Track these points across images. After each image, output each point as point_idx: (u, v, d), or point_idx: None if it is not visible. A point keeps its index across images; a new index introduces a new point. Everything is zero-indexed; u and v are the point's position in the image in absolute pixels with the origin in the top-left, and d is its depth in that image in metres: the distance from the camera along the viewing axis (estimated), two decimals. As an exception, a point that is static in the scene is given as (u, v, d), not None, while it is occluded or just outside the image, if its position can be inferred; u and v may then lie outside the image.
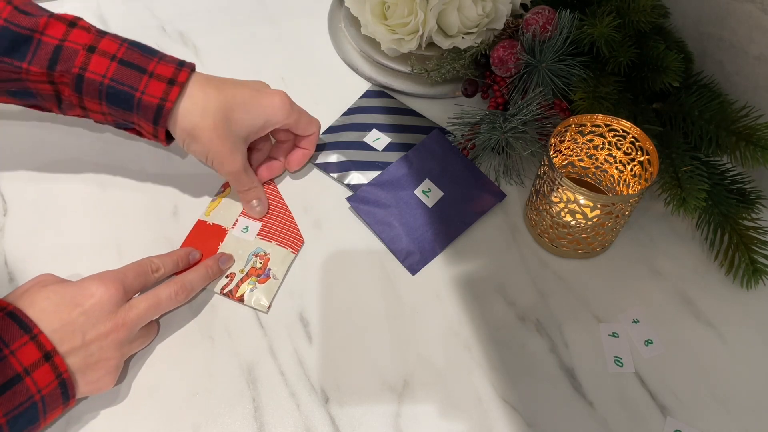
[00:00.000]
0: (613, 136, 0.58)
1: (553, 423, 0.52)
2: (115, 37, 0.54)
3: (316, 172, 0.65)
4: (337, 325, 0.56)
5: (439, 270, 0.60)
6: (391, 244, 0.60)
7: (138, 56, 0.53)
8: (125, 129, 0.58)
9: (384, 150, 0.66)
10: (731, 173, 0.61)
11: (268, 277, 0.57)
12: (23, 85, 0.53)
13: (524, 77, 0.64)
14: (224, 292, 0.57)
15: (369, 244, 0.61)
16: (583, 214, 0.55)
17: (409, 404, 0.52)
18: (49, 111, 0.57)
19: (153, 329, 0.53)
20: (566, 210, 0.55)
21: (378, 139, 0.67)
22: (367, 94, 0.72)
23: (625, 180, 0.60)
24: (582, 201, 0.54)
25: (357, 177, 0.64)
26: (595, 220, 0.55)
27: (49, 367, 0.44)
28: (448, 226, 0.61)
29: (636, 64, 0.63)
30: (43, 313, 0.46)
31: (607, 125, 0.57)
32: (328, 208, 0.63)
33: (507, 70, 0.65)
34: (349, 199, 0.62)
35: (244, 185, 0.59)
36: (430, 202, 0.62)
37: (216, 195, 0.62)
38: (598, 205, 0.53)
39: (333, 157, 0.65)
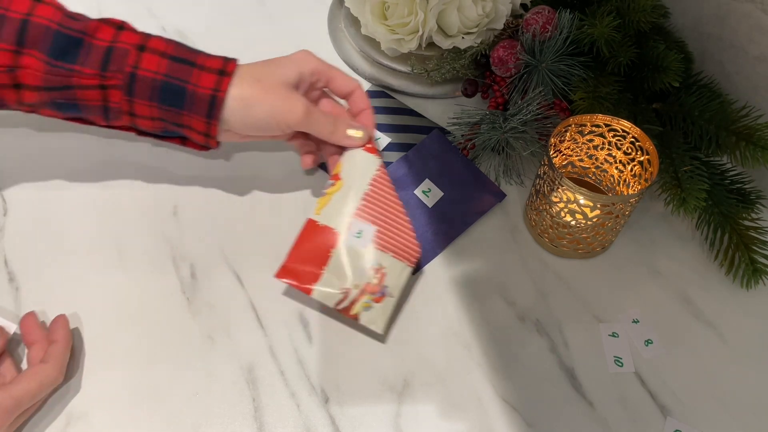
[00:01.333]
0: (613, 136, 0.58)
1: (553, 423, 0.52)
2: (161, 37, 0.54)
3: (316, 172, 0.65)
4: (337, 325, 0.56)
5: (439, 270, 0.60)
6: (391, 244, 0.60)
7: (186, 52, 0.53)
8: (168, 139, 0.58)
9: (384, 150, 0.66)
10: (731, 173, 0.62)
11: (384, 295, 0.53)
12: (71, 94, 0.52)
13: (524, 77, 0.64)
14: (339, 308, 0.53)
15: (369, 244, 0.61)
16: (583, 214, 0.55)
17: (409, 404, 0.52)
18: (92, 124, 0.56)
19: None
20: (566, 210, 0.55)
21: (378, 139, 0.67)
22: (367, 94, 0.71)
23: (625, 180, 0.60)
24: (582, 201, 0.54)
25: (357, 177, 0.64)
26: (595, 220, 0.55)
27: None
28: (448, 226, 0.61)
29: (636, 64, 0.63)
30: None
31: (607, 125, 0.57)
32: (328, 208, 0.63)
33: (507, 70, 0.65)
34: (349, 199, 0.62)
35: (324, 122, 0.56)
36: (430, 202, 0.62)
37: (325, 190, 0.57)
38: (598, 205, 0.53)
39: (333, 157, 0.65)
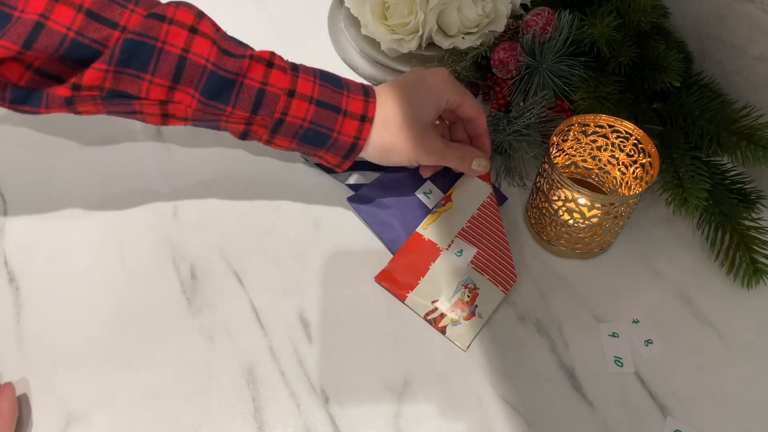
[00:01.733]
0: (616, 138, 0.58)
1: (553, 423, 0.52)
2: (306, 72, 0.53)
3: (316, 172, 0.65)
4: (337, 325, 0.56)
5: (439, 270, 0.60)
6: (392, 245, 0.60)
7: (330, 94, 0.53)
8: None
9: (384, 150, 0.66)
10: (732, 173, 0.62)
11: (473, 314, 0.55)
12: (216, 123, 0.53)
13: (525, 78, 0.64)
14: (428, 318, 0.56)
15: (369, 244, 0.61)
16: (581, 213, 0.55)
17: (409, 404, 0.52)
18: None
19: None
20: (564, 209, 0.55)
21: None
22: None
23: (627, 182, 0.60)
24: (581, 201, 0.54)
25: (357, 177, 0.64)
26: (593, 220, 0.55)
27: None
28: (448, 226, 0.62)
29: (636, 64, 0.63)
30: None
31: (610, 126, 0.57)
32: (328, 208, 0.63)
33: (508, 72, 0.65)
34: (349, 199, 0.62)
35: (455, 157, 0.58)
36: (431, 204, 0.62)
37: (435, 208, 0.61)
38: (596, 205, 0.53)
39: (333, 157, 0.65)
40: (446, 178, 0.63)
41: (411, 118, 0.55)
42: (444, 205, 0.60)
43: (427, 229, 0.59)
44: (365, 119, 0.54)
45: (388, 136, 0.54)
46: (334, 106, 0.53)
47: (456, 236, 0.59)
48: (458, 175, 0.63)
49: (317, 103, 0.53)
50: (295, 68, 0.53)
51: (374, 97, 0.55)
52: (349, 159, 0.55)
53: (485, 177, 0.61)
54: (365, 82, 0.57)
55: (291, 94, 0.52)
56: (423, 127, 0.55)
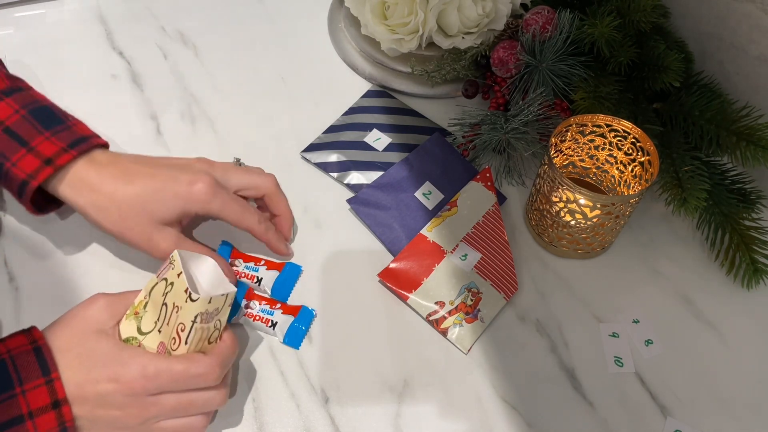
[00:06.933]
0: (614, 137, 0.58)
1: (553, 423, 0.52)
2: (20, 98, 0.52)
3: (316, 172, 0.65)
4: (337, 325, 0.56)
5: (439, 270, 0.60)
6: (391, 246, 0.60)
7: (28, 128, 0.51)
8: None
9: (384, 150, 0.66)
10: (732, 173, 0.62)
11: (476, 318, 0.55)
12: None
13: (525, 77, 0.64)
14: (430, 319, 0.56)
15: (369, 245, 0.61)
16: (583, 214, 0.55)
17: (409, 404, 0.52)
18: None
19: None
20: (566, 210, 0.55)
21: (378, 139, 0.67)
22: (368, 94, 0.72)
23: (625, 181, 0.60)
24: (582, 201, 0.54)
25: (357, 177, 0.64)
26: (594, 220, 0.55)
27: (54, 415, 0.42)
28: (448, 226, 0.62)
29: (636, 64, 0.63)
30: (69, 370, 0.43)
31: (608, 125, 0.57)
32: (328, 208, 0.63)
33: (507, 71, 0.65)
34: (349, 201, 0.62)
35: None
36: (430, 204, 0.62)
37: (440, 212, 0.61)
38: (598, 205, 0.53)
39: (333, 157, 0.65)
40: (446, 180, 0.63)
41: (135, 214, 0.51)
42: (449, 210, 0.61)
43: (431, 232, 0.59)
44: (50, 163, 0.50)
45: (103, 222, 0.51)
46: (23, 139, 0.50)
47: (461, 240, 0.59)
48: (460, 178, 0.63)
49: (5, 130, 0.50)
50: (9, 91, 0.52)
51: (80, 150, 0.51)
52: (23, 198, 0.51)
53: (491, 188, 0.62)
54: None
55: None
56: (145, 227, 0.51)
